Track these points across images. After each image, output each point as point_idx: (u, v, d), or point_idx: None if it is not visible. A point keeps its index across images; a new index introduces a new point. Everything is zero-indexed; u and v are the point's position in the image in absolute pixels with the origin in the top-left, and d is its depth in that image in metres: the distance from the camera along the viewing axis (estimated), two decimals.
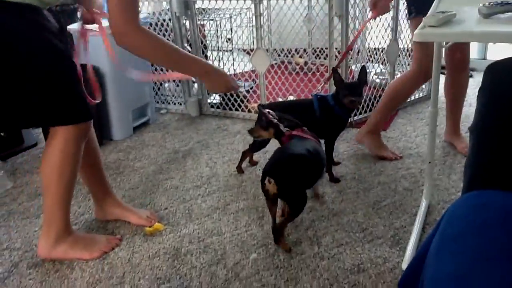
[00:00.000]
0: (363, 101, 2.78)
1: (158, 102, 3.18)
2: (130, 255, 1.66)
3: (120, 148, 2.59)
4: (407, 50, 3.08)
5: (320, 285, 1.46)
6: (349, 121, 2.18)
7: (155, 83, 3.13)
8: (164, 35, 2.95)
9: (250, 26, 3.48)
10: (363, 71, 2.03)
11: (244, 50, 3.50)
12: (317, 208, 1.89)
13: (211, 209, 1.92)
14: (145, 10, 3.07)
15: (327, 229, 1.75)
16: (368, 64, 3.26)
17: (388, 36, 2.83)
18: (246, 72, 3.01)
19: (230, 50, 3.36)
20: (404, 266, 1.51)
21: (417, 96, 3.09)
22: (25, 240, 1.79)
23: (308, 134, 1.79)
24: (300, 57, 3.85)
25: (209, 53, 3.17)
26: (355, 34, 2.37)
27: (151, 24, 2.91)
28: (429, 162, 1.80)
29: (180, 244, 1.70)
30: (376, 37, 2.84)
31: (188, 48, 2.98)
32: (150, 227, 1.79)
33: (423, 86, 3.02)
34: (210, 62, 2.96)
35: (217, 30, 3.11)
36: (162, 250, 1.68)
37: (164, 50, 1.44)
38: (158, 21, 2.92)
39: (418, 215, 1.75)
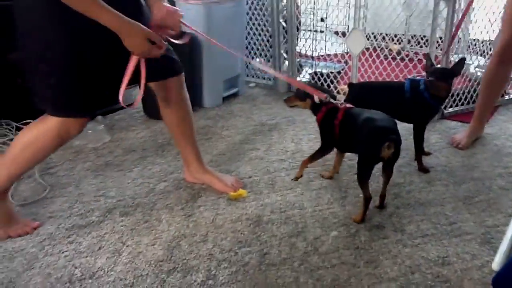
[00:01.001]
0: (457, 93, 2.65)
1: (248, 76, 3.23)
2: (214, 216, 1.72)
3: (209, 116, 2.67)
4: None
5: (401, 271, 1.43)
6: (440, 110, 2.08)
7: (247, 57, 3.17)
8: (260, 10, 2.97)
9: (346, 7, 3.40)
10: (461, 63, 1.92)
11: (336, 33, 3.44)
12: (402, 195, 1.84)
13: (294, 183, 1.93)
14: None
15: (411, 217, 1.70)
16: (466, 55, 3.08)
17: (497, 27, 2.63)
18: (338, 54, 2.96)
19: (322, 31, 3.31)
20: (495, 266, 1.43)
21: None
22: (119, 190, 1.92)
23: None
24: (395, 43, 3.72)
25: (301, 33, 3.16)
26: (458, 20, 2.24)
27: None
28: None
29: (262, 213, 1.74)
30: (478, 27, 2.67)
31: (283, 24, 2.98)
32: (235, 192, 1.84)
33: None
34: (280, 39, 2.95)
35: (313, 7, 3.07)
36: (245, 216, 1.72)
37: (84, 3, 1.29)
38: None
39: None
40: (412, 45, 3.69)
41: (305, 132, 2.43)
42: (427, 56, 1.99)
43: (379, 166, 1.70)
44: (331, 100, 1.76)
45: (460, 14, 2.51)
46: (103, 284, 1.40)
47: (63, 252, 1.55)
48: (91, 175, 2.04)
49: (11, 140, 2.32)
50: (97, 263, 1.49)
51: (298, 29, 3.10)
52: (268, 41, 3.08)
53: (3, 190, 1.61)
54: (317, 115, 1.82)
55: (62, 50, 1.42)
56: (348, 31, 2.74)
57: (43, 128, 1.53)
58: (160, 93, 1.77)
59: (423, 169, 2.02)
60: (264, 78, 3.21)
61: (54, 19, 1.38)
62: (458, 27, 2.21)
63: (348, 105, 1.77)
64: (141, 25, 1.39)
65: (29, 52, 1.45)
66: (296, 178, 1.85)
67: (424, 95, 1.95)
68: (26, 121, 2.43)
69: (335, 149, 1.89)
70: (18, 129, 2.43)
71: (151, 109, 2.53)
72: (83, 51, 1.43)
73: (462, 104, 2.68)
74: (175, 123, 1.84)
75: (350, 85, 2.13)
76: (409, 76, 2.11)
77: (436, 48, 2.66)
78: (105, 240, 1.60)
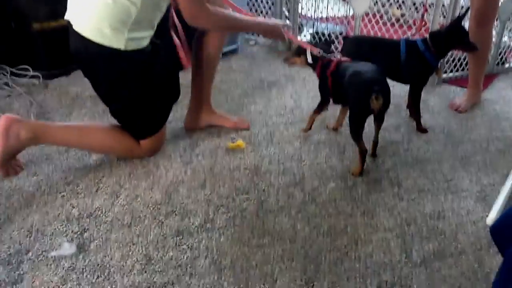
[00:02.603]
0: (459, 58, 2.64)
1: (247, 33, 3.18)
2: (212, 164, 1.72)
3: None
4: None
5: (397, 223, 1.44)
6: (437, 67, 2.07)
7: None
8: None
9: None
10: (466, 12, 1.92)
11: None
12: (400, 153, 1.85)
13: (292, 136, 1.93)
14: None
15: (409, 174, 1.71)
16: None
17: None
18: (339, 17, 2.92)
19: None
20: (489, 221, 1.45)
21: None
22: None
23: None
24: (398, 8, 3.66)
25: None
26: None
27: None
28: None
29: (260, 163, 1.74)
30: None
31: None
32: (233, 142, 1.84)
33: None
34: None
35: None
36: (243, 165, 1.72)
37: (229, 23, 1.65)
38: None
39: (510, 175, 1.66)
40: (414, 11, 3.63)
41: (304, 90, 2.41)
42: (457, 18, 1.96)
43: (370, 129, 1.71)
44: (324, 54, 1.79)
45: None
46: (101, 223, 1.40)
47: (60, 192, 1.54)
48: (88, 121, 2.02)
49: (6, 84, 2.29)
50: (95, 204, 1.49)
51: None
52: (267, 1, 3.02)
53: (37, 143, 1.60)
54: (315, 69, 1.85)
55: (150, 88, 1.64)
56: None
57: (125, 146, 1.70)
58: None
59: (422, 130, 2.02)
60: (263, 37, 3.15)
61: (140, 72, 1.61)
62: None
63: (342, 58, 1.79)
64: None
65: (126, 99, 1.64)
66: (305, 130, 1.94)
67: (425, 55, 1.93)
68: (21, 66, 2.39)
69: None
70: (13, 74, 2.38)
71: None
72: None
73: (463, 70, 2.66)
74: (210, 53, 1.88)
75: (345, 38, 2.11)
76: (403, 37, 2.05)
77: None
78: (103, 182, 1.60)
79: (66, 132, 1.64)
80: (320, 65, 1.82)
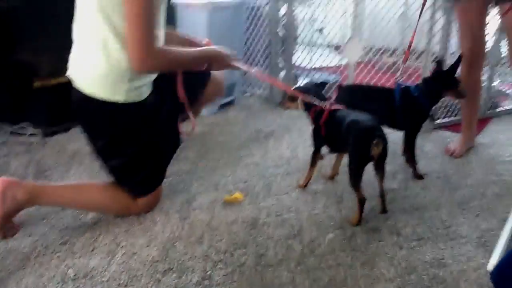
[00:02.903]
0: (452, 104, 2.69)
1: (243, 85, 3.25)
2: (209, 219, 1.71)
3: (205, 123, 2.67)
4: None
5: (398, 273, 1.42)
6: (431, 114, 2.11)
7: None
8: (258, 19, 3.00)
9: (344, 18, 3.45)
10: (458, 60, 1.98)
11: (333, 46, 3.49)
12: (398, 200, 1.84)
13: (290, 187, 1.93)
14: None
15: (407, 221, 1.70)
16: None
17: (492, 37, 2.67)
18: (332, 66, 3.01)
19: (320, 44, 3.35)
20: (490, 267, 1.42)
21: None
22: None
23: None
24: (389, 56, 3.77)
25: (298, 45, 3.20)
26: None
27: (247, 8, 2.98)
28: None
29: (258, 215, 1.73)
30: None
31: (281, 33, 3.01)
32: (230, 195, 1.84)
33: None
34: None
35: (311, 16, 3.11)
36: (240, 218, 1.72)
37: (178, 60, 1.58)
38: (255, 3, 2.98)
39: (509, 220, 1.64)
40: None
41: (300, 140, 2.43)
42: (438, 62, 2.00)
43: (369, 178, 1.71)
44: (316, 102, 1.81)
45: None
46: (97, 283, 1.38)
47: (56, 253, 1.52)
48: (86, 178, 2.02)
49: (3, 143, 2.32)
50: (91, 264, 1.47)
51: (295, 39, 3.13)
52: (265, 51, 3.11)
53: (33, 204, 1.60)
54: (309, 115, 1.88)
55: (150, 143, 1.67)
56: (344, 44, 2.77)
57: (121, 205, 1.70)
58: None
59: (418, 176, 2.03)
60: (259, 88, 3.22)
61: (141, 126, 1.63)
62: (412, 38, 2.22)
63: (334, 106, 1.81)
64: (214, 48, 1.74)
65: (126, 155, 1.65)
66: (303, 186, 1.93)
67: (419, 100, 1.97)
68: (21, 124, 2.43)
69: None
70: (12, 132, 2.42)
71: None
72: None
73: (456, 115, 2.70)
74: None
75: (339, 86, 2.15)
76: (397, 82, 2.09)
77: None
78: (99, 241, 1.59)
79: (61, 192, 1.65)
80: (313, 111, 1.83)
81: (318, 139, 1.87)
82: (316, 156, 1.90)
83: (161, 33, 1.56)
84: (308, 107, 1.85)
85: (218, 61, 1.72)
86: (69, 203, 1.69)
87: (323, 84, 2.00)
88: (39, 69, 2.40)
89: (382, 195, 1.75)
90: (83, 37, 1.54)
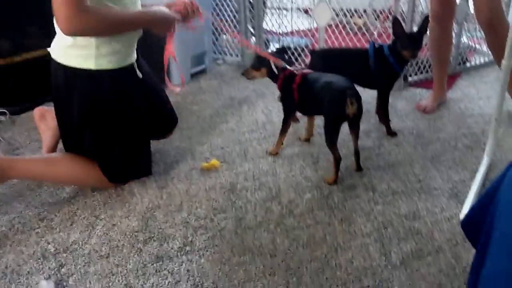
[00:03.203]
0: (421, 61, 2.71)
1: (215, 53, 3.21)
2: (187, 186, 1.72)
3: (178, 93, 2.64)
4: None
5: (375, 227, 1.46)
6: (403, 74, 2.12)
7: (214, 34, 3.14)
8: None
9: None
10: (425, 20, 1.96)
11: (303, 9, 3.45)
12: (372, 158, 1.88)
13: (266, 152, 1.94)
14: None
15: (382, 178, 1.74)
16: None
17: None
18: (303, 30, 2.98)
19: (290, 8, 3.31)
20: (463, 217, 1.48)
21: (482, 61, 2.96)
22: None
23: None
24: (359, 17, 3.75)
25: (267, 10, 3.15)
26: None
27: None
28: (495, 119, 1.73)
29: (236, 180, 1.74)
30: None
31: None
32: (207, 162, 1.84)
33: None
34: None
35: None
36: (218, 184, 1.73)
37: (114, 20, 1.43)
38: None
39: (479, 170, 1.70)
40: (376, 19, 3.72)
41: (274, 104, 2.43)
42: (395, 20, 1.98)
43: (343, 137, 1.73)
44: (287, 66, 1.82)
45: None
46: (78, 256, 1.38)
47: (34, 229, 1.51)
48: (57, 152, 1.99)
49: None
50: (71, 238, 1.46)
51: (264, 4, 3.09)
52: (234, 17, 3.06)
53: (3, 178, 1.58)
54: (276, 82, 1.88)
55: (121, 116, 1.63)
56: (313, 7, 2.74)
57: (94, 175, 1.67)
58: None
59: (391, 133, 2.07)
60: (231, 55, 3.19)
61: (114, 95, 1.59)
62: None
63: (305, 70, 1.82)
64: (162, 9, 1.59)
65: (97, 125, 1.61)
66: (275, 152, 1.92)
67: (389, 60, 1.98)
68: None
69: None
70: None
71: None
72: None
73: (427, 72, 2.74)
74: None
75: (312, 52, 2.14)
76: (370, 41, 2.09)
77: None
78: (78, 215, 1.58)
79: (34, 164, 1.63)
80: (282, 78, 1.84)
81: (290, 105, 1.87)
82: (287, 122, 1.90)
83: None
84: (273, 74, 1.85)
85: (163, 24, 1.60)
86: (43, 176, 1.66)
87: (284, 49, 1.99)
88: (1, 47, 2.31)
89: (357, 153, 1.77)
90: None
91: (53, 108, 1.68)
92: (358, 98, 1.65)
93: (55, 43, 1.55)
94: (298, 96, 1.80)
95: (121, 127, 1.64)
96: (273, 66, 1.83)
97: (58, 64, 1.54)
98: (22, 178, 1.69)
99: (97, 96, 1.56)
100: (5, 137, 2.14)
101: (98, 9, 1.38)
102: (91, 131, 1.62)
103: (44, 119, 1.88)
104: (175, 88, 1.79)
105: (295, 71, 1.81)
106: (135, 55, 1.66)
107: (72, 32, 1.37)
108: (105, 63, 1.53)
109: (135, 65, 1.65)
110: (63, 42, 1.51)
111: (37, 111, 1.90)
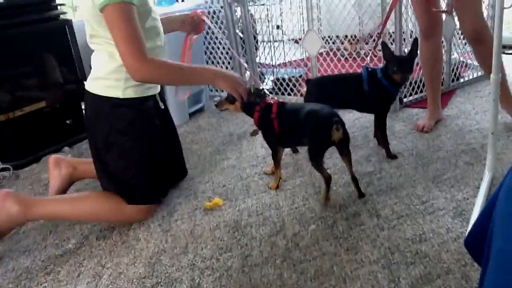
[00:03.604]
0: (415, 81, 2.74)
1: (211, 90, 3.26)
2: (192, 227, 1.72)
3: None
4: None
5: (381, 253, 1.45)
6: (399, 97, 2.14)
7: None
8: (216, 23, 3.01)
9: (300, 13, 3.48)
10: (415, 43, 1.99)
11: (293, 40, 3.52)
12: (374, 182, 1.88)
13: (268, 185, 1.95)
14: None
15: (385, 202, 1.73)
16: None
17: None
18: (296, 60, 3.03)
19: (281, 40, 3.38)
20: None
21: (475, 75, 2.98)
22: None
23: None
24: (350, 43, 3.82)
25: (260, 42, 3.22)
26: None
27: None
28: (492, 133, 1.74)
29: (240, 217, 1.74)
30: None
31: (240, 34, 3.03)
32: (210, 201, 1.84)
33: None
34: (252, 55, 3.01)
35: (267, 14, 3.13)
36: (223, 223, 1.72)
37: (176, 72, 1.63)
38: (210, 8, 2.99)
39: (482, 186, 1.70)
40: (366, 43, 3.78)
41: None
42: (383, 45, 2.02)
43: (343, 164, 1.74)
44: (264, 97, 1.84)
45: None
46: None
47: (41, 284, 1.51)
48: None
49: None
50: None
51: (255, 39, 3.15)
52: (227, 53, 3.12)
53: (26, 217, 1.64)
54: (253, 116, 1.87)
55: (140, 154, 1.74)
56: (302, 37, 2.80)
57: (115, 209, 1.73)
58: None
59: (391, 156, 2.07)
60: (227, 91, 3.22)
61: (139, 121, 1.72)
62: (385, 20, 2.25)
63: (280, 100, 1.86)
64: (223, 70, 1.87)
65: (117, 161, 1.72)
66: (275, 187, 1.93)
67: (383, 82, 2.00)
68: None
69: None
70: None
71: None
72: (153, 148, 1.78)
73: (421, 91, 2.76)
74: None
75: (307, 81, 2.17)
76: (363, 65, 2.12)
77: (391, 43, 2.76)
78: (84, 265, 1.57)
79: (56, 203, 1.71)
80: (259, 110, 1.83)
81: (272, 137, 1.86)
82: (277, 155, 1.89)
83: (158, 43, 1.69)
84: (248, 108, 1.86)
85: (224, 80, 1.71)
86: (63, 215, 1.72)
87: (258, 92, 1.88)
88: (1, 102, 2.36)
89: (354, 179, 1.77)
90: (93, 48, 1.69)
91: (68, 158, 1.78)
92: (342, 123, 1.68)
93: (90, 76, 1.71)
94: (278, 127, 1.80)
95: (141, 148, 1.73)
96: (237, 106, 1.87)
97: (88, 93, 1.69)
98: (44, 218, 1.76)
99: (121, 120, 1.68)
100: None
101: (162, 60, 1.59)
102: (113, 153, 1.70)
103: (59, 167, 1.94)
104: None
105: (270, 101, 1.84)
106: (158, 88, 1.81)
107: (139, 80, 1.59)
108: (131, 92, 1.67)
109: (158, 97, 1.81)
110: (95, 74, 1.68)
111: (52, 158, 1.96)
